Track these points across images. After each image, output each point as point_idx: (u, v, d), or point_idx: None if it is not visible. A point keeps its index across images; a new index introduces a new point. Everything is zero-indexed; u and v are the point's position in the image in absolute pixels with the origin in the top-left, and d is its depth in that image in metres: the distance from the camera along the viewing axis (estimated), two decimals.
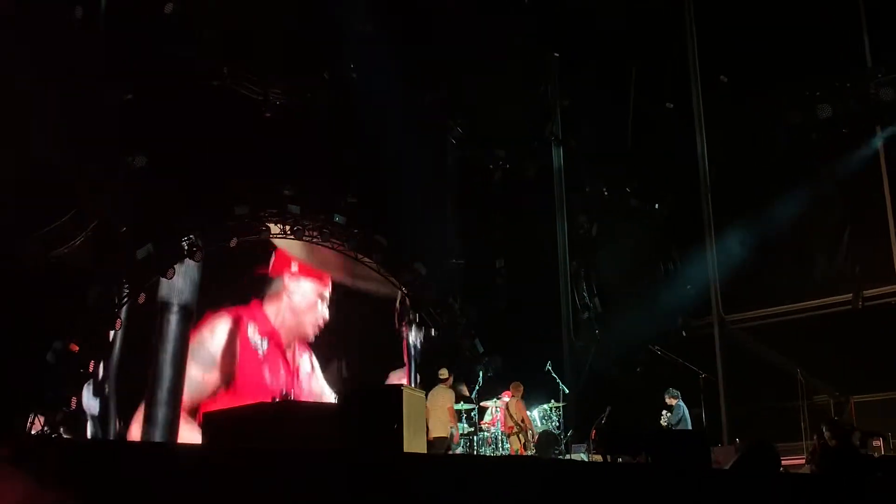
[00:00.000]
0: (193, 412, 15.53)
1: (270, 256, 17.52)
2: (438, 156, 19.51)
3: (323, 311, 17.93)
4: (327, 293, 18.16)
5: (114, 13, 14.37)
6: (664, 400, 15.48)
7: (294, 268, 17.78)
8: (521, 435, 15.01)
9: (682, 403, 15.45)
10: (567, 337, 19.62)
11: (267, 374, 16.84)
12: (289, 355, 17.38)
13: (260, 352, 16.87)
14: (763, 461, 9.45)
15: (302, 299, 17.76)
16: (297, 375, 17.33)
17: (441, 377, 15.25)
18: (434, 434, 14.52)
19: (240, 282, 16.88)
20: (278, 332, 17.31)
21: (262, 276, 17.35)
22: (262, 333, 16.99)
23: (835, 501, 7.90)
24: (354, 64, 17.70)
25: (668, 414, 15.27)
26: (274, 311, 17.37)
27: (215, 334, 16.46)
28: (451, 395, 15.04)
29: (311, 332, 17.71)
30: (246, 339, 16.76)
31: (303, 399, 16.76)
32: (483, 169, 19.95)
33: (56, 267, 13.42)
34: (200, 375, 16.01)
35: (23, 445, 5.82)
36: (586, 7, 19.58)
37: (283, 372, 17.14)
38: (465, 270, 19.22)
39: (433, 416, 14.54)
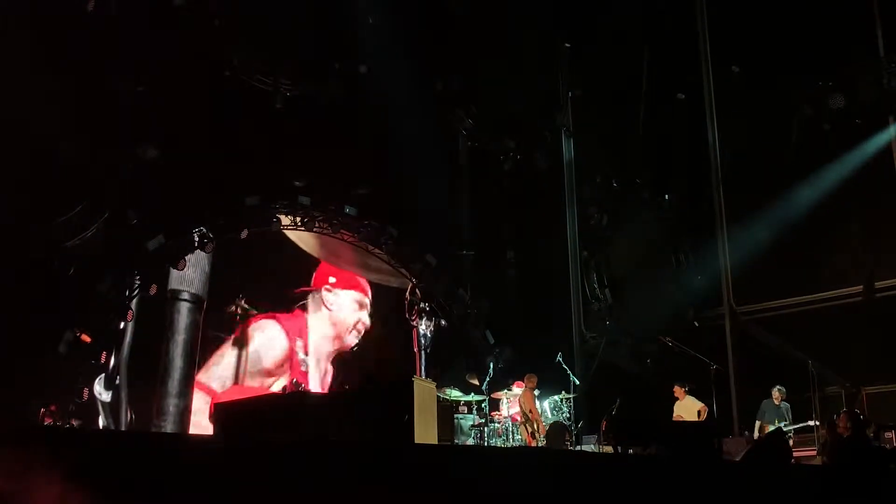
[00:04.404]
0: None
1: (313, 271, 18.07)
2: (449, 146, 19.47)
3: (365, 319, 18.40)
4: (367, 300, 18.62)
5: (126, 2, 14.37)
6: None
7: (332, 280, 18.24)
8: (527, 425, 15.04)
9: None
10: (577, 328, 19.59)
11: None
12: (322, 362, 17.68)
13: (304, 366, 17.21)
14: (774, 453, 9.44)
15: (340, 311, 18.29)
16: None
17: (686, 389, 15.71)
18: None
19: (258, 275, 17.18)
20: (316, 345, 17.65)
21: (304, 292, 17.90)
22: (306, 350, 17.38)
23: (847, 493, 7.87)
24: (365, 54, 17.66)
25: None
26: (315, 318, 17.80)
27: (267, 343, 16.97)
28: (698, 403, 15.64)
29: (352, 341, 18.17)
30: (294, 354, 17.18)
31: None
32: (494, 159, 19.90)
33: (68, 258, 13.45)
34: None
35: (17, 429, 5.85)
36: None
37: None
38: (476, 261, 19.20)
39: None
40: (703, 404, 15.68)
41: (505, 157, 19.83)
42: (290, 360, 17.15)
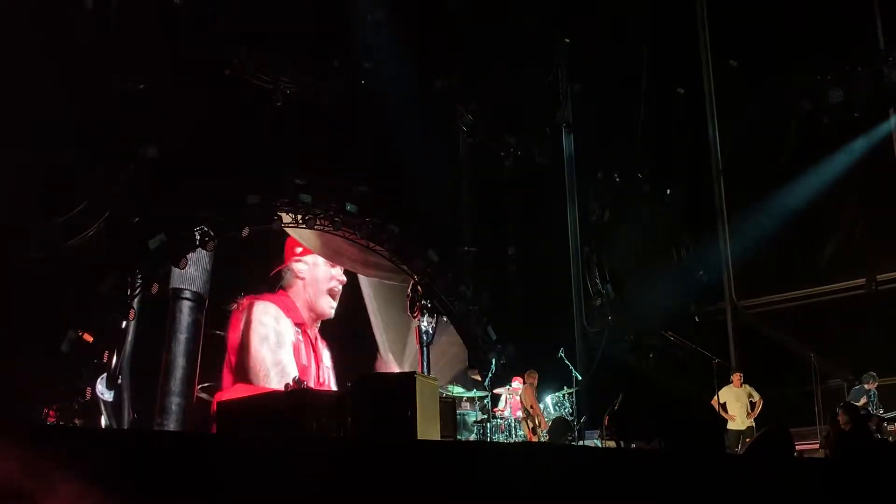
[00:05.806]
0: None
1: (283, 246, 17.83)
2: (450, 143, 19.46)
3: (339, 275, 18.34)
4: (339, 270, 18.49)
5: (126, 2, 14.37)
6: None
7: (298, 249, 18.10)
8: (528, 421, 15.07)
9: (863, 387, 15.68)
10: (579, 323, 19.58)
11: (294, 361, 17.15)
12: (311, 337, 17.59)
13: (288, 341, 17.14)
14: (777, 446, 9.43)
15: (313, 275, 18.13)
16: (320, 365, 17.54)
17: (733, 381, 15.92)
18: (735, 427, 15.45)
19: (259, 272, 17.22)
20: (305, 321, 17.62)
21: (279, 272, 17.77)
22: (294, 323, 17.39)
23: (849, 486, 7.87)
24: (365, 51, 17.65)
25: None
26: (294, 293, 17.67)
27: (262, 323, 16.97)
28: (755, 394, 15.87)
29: (328, 309, 18.04)
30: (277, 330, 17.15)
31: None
32: (494, 156, 19.89)
33: (69, 258, 13.45)
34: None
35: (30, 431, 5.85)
36: None
37: (305, 358, 17.34)
38: (477, 258, 19.20)
39: (738, 414, 15.53)
40: (759, 396, 15.72)
41: (505, 153, 19.82)
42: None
